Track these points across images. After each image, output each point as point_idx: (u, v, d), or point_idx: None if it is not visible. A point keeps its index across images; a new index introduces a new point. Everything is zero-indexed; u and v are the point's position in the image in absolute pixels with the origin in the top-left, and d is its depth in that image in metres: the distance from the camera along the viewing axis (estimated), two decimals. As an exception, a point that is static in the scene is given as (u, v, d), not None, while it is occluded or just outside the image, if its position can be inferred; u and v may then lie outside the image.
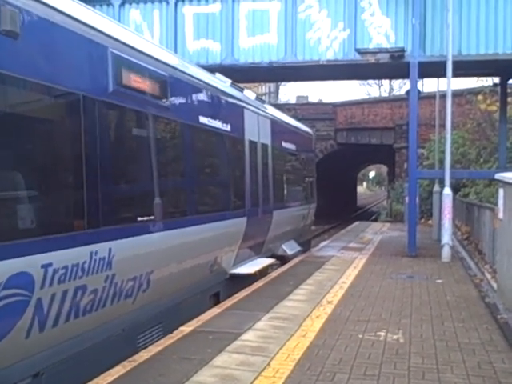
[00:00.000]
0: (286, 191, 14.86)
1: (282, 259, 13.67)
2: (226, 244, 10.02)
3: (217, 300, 9.39)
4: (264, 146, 12.35)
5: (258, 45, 14.55)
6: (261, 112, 12.36)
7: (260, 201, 11.85)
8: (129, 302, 6.51)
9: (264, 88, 45.79)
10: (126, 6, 14.98)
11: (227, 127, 9.91)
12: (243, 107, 11.08)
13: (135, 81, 6.66)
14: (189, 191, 8.53)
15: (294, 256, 14.21)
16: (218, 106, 9.79)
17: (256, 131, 11.75)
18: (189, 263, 8.26)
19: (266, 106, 13.47)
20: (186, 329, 7.10)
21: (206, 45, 14.75)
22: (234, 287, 9.97)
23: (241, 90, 11.68)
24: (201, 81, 9.07)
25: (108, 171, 6.10)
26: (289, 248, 14.49)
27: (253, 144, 11.44)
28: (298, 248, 15.34)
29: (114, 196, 6.34)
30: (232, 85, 11.03)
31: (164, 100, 7.47)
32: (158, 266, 7.14)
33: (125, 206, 6.71)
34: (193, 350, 6.21)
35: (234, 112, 10.57)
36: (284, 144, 14.49)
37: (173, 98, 7.77)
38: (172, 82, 7.69)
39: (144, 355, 6.03)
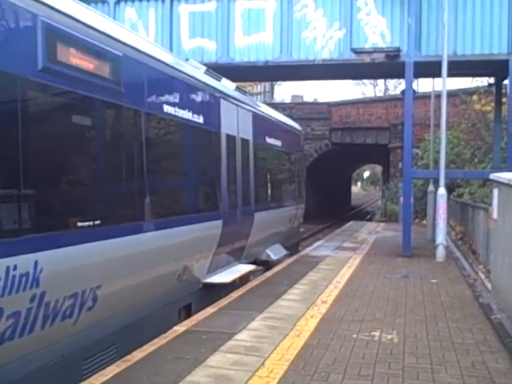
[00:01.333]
0: (270, 191, 13.99)
1: (266, 265, 12.88)
2: (198, 250, 9.00)
3: (188, 312, 8.53)
4: (244, 142, 11.37)
5: (254, 44, 14.52)
6: (241, 104, 11.37)
7: (239, 202, 10.92)
8: (68, 323, 5.55)
9: (259, 87, 45.76)
10: (122, 4, 14.93)
11: (199, 119, 8.89)
12: (220, 97, 10.08)
13: (76, 58, 5.64)
14: (147, 191, 7.19)
15: (280, 261, 13.32)
16: (188, 94, 8.71)
17: (235, 125, 10.78)
18: (148, 274, 7.19)
19: (248, 98, 12.63)
20: (179, 328, 7.09)
21: (201, 43, 14.72)
22: (208, 297, 9.12)
23: (218, 78, 10.75)
24: (166, 64, 8.03)
25: (39, 165, 5.16)
26: (274, 252, 13.63)
27: (231, 139, 10.45)
28: (285, 252, 14.50)
29: (43, 197, 5.22)
30: (207, 72, 10.19)
31: (116, 83, 6.42)
32: (107, 280, 6.17)
33: (57, 209, 5.58)
34: (187, 349, 6.19)
35: (208, 102, 9.57)
36: (268, 140, 13.63)
37: (128, 82, 6.69)
38: (129, 64, 6.72)
39: (138, 355, 6.01)
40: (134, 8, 14.90)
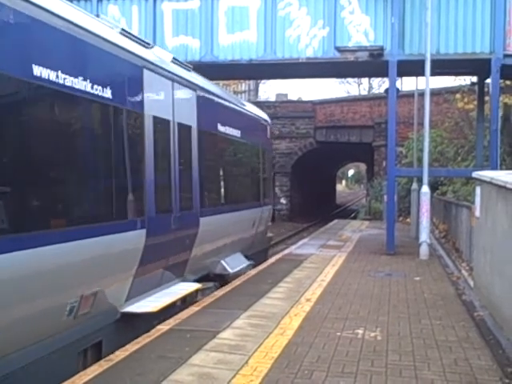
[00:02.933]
0: (223, 191, 11.70)
1: (222, 279, 10.95)
2: (107, 272, 6.72)
3: (98, 353, 6.69)
4: (184, 128, 9.10)
5: (238, 42, 14.48)
6: (180, 80, 9.08)
7: (175, 205, 8.65)
8: None
9: (244, 85, 45.70)
10: (104, 1, 14.83)
11: (105, 92, 6.60)
12: (143, 67, 7.75)
13: None
14: (13, 191, 5.08)
15: (240, 273, 11.40)
16: (84, 57, 6.46)
17: (169, 105, 8.55)
18: (15, 311, 5.17)
19: (193, 74, 10.26)
20: (163, 327, 7.05)
21: (185, 41, 14.66)
22: (131, 330, 7.23)
23: (145, 44, 8.50)
24: (53, 15, 5.78)
25: None
26: (232, 264, 11.55)
27: (161, 123, 8.26)
28: (247, 263, 12.55)
29: None
30: (124, 31, 7.99)
31: None
32: None
33: None
34: (170, 348, 6.17)
35: (121, 72, 7.27)
36: (222, 128, 11.24)
37: None
38: None
39: (121, 354, 5.97)
40: (117, 6, 14.79)
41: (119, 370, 5.51)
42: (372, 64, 14.45)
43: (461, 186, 19.39)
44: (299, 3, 14.29)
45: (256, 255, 13.87)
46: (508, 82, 18.39)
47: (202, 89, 10.31)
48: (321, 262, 12.63)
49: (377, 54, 13.96)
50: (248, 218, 13.15)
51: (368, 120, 32.72)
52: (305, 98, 45.57)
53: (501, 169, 14.49)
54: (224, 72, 15.93)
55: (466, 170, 17.75)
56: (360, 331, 6.95)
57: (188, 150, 9.40)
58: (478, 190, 9.39)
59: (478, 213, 9.28)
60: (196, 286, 9.29)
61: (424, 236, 13.47)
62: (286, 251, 15.27)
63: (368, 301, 8.75)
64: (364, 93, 58.81)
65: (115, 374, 5.41)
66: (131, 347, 6.22)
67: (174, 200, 8.65)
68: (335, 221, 26.88)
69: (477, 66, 14.71)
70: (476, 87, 17.47)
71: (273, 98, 46.46)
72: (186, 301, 8.89)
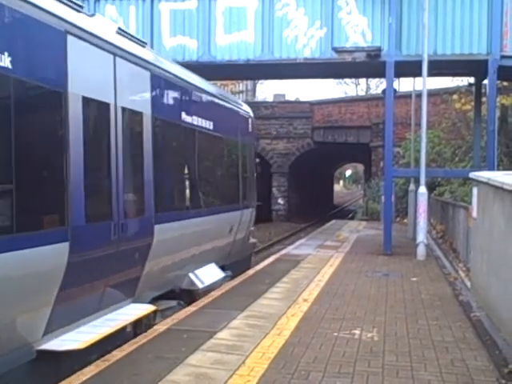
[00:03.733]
0: (189, 192, 9.83)
1: (191, 295, 9.48)
2: (11, 300, 5.19)
3: None
4: (131, 115, 7.47)
5: (235, 42, 14.49)
6: (125, 55, 7.28)
7: (115, 210, 6.93)
8: None
9: (241, 86, 45.71)
10: (102, 1, 14.83)
11: (2, 60, 5.03)
12: (66, 33, 6.04)
13: None
14: None
15: (214, 287, 9.90)
16: None
17: (108, 85, 6.87)
18: None
19: (148, 52, 8.52)
20: (160, 327, 7.06)
21: (182, 41, 14.66)
22: (52, 372, 5.85)
23: (76, 7, 6.49)
24: None
25: None
26: (203, 277, 9.93)
27: (94, 105, 6.62)
28: (222, 275, 10.90)
29: None
30: None
31: None
32: None
33: None
34: (167, 348, 6.17)
35: (30, 35, 5.51)
36: (188, 118, 9.41)
37: None
38: None
39: (117, 354, 5.97)
40: (114, 6, 14.80)
41: (116, 370, 5.50)
42: (369, 65, 14.47)
43: (458, 187, 19.40)
44: (296, 4, 14.30)
45: (236, 265, 12.27)
46: (505, 83, 18.41)
47: (161, 69, 8.51)
48: (318, 263, 12.63)
49: (374, 54, 13.98)
50: (223, 222, 11.31)
51: (365, 120, 32.73)
52: (302, 99, 45.48)
53: (498, 169, 14.51)
54: (221, 72, 15.93)
55: (463, 170, 17.78)
56: (357, 332, 6.96)
57: (138, 141, 7.72)
58: (475, 190, 9.41)
59: (475, 213, 9.29)
60: (148, 308, 7.57)
61: (421, 236, 13.48)
62: (284, 251, 15.27)
63: (365, 301, 8.76)
64: (361, 93, 58.83)
65: (112, 374, 5.41)
66: (128, 347, 6.22)
67: (114, 204, 6.91)
68: (333, 221, 26.90)
69: (474, 67, 14.73)
70: (473, 88, 17.48)
71: (270, 99, 46.59)
72: (143, 324, 7.48)
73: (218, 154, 11.58)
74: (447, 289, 9.89)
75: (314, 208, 41.86)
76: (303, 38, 14.29)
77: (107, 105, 6.85)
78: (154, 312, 7.82)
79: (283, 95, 45.29)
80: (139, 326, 7.42)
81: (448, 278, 10.94)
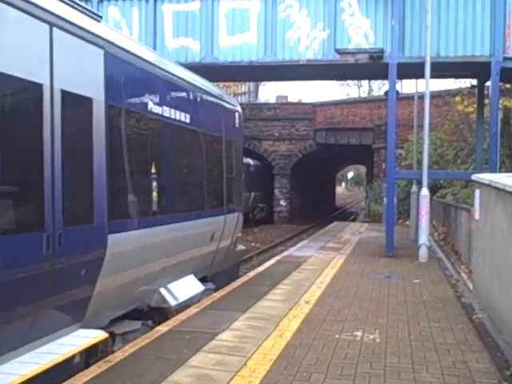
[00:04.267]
0: (156, 195, 8.02)
1: (162, 314, 8.22)
2: None
3: None
4: (75, 100, 6.15)
5: (238, 44, 14.51)
6: (68, 27, 5.98)
7: (49, 217, 5.55)
8: None
9: (244, 87, 45.75)
10: (105, 2, 14.85)
11: None
12: None
13: None
14: None
15: (192, 303, 8.73)
16: None
17: (41, 61, 5.55)
18: None
19: (103, 25, 7.08)
20: (162, 328, 7.06)
21: (185, 43, 14.68)
22: None
23: None
24: None
25: None
26: (177, 293, 8.50)
27: (17, 85, 5.26)
28: (201, 288, 9.48)
29: None
30: None
31: None
32: None
33: None
34: (169, 349, 6.17)
35: None
36: (156, 108, 7.95)
37: None
38: None
39: (119, 355, 5.97)
40: (117, 7, 14.82)
41: (118, 371, 5.51)
42: (372, 66, 14.47)
43: (460, 189, 19.40)
44: (299, 5, 14.31)
45: (221, 275, 11.07)
46: (508, 85, 18.43)
47: (120, 49, 7.11)
48: (320, 264, 12.62)
49: (377, 56, 13.98)
50: (202, 229, 9.82)
51: (368, 122, 32.71)
52: (305, 100, 45.49)
53: (500, 171, 14.50)
54: (224, 73, 15.94)
55: (465, 172, 17.76)
56: (359, 333, 6.95)
57: (84, 132, 6.37)
58: (477, 192, 9.39)
59: (477, 215, 9.28)
60: (98, 336, 6.17)
61: (423, 238, 13.48)
62: (285, 253, 15.27)
63: (367, 303, 8.75)
64: (364, 95, 58.87)
65: (114, 375, 5.41)
66: (130, 348, 6.22)
67: (47, 210, 5.53)
68: (334, 223, 26.89)
69: (477, 69, 14.73)
70: (476, 90, 17.48)
71: (273, 100, 46.51)
72: (99, 351, 6.36)
73: (195, 151, 9.92)
74: (449, 291, 9.88)
75: (316, 210, 41.85)
76: (306, 40, 14.30)
77: (39, 86, 5.50)
78: (113, 336, 6.77)
79: (285, 97, 45.25)
80: (95, 352, 6.27)
81: (450, 280, 10.94)
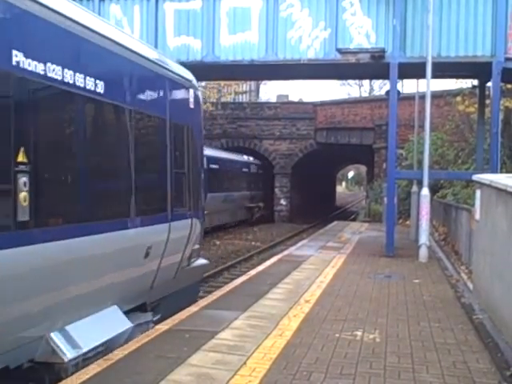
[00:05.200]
0: (35, 195, 5.09)
1: (53, 370, 5.66)
2: None
3: None
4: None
5: (239, 42, 14.50)
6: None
7: None
8: None
9: (245, 86, 45.74)
10: (106, 0, 14.85)
11: None
12: None
13: None
14: None
15: (113, 348, 6.26)
16: None
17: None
18: None
19: None
20: (162, 327, 7.05)
21: (186, 41, 14.67)
22: None
23: None
24: None
25: None
26: (79, 338, 5.94)
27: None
28: (127, 325, 6.98)
29: None
30: None
31: None
32: None
33: None
34: (169, 348, 6.16)
35: None
36: (51, 72, 5.38)
37: None
38: None
39: (119, 353, 5.96)
40: (118, 5, 14.82)
41: (118, 369, 5.50)
42: (373, 66, 14.47)
43: (461, 189, 19.37)
44: (301, 4, 14.30)
45: (168, 301, 8.61)
46: (509, 86, 18.40)
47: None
48: (320, 264, 12.62)
49: (378, 56, 13.97)
50: (127, 244, 7.03)
51: (369, 122, 32.69)
52: (306, 100, 45.54)
53: (501, 172, 14.49)
54: (225, 72, 15.96)
55: (466, 172, 17.75)
56: (359, 333, 6.95)
57: None
58: (477, 192, 9.39)
59: (477, 216, 9.27)
60: None
61: (423, 238, 13.47)
62: (286, 252, 15.27)
63: (367, 303, 8.75)
64: (365, 95, 58.89)
65: (114, 373, 5.41)
66: (130, 346, 6.22)
67: None
68: (335, 222, 26.88)
69: (478, 69, 14.73)
70: (477, 90, 17.46)
71: (274, 99, 46.55)
72: None
73: (117, 135, 7.11)
74: (449, 291, 9.88)
75: (316, 209, 41.85)
76: (307, 39, 14.29)
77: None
78: None
79: (286, 96, 45.27)
80: None
81: (450, 280, 10.93)
